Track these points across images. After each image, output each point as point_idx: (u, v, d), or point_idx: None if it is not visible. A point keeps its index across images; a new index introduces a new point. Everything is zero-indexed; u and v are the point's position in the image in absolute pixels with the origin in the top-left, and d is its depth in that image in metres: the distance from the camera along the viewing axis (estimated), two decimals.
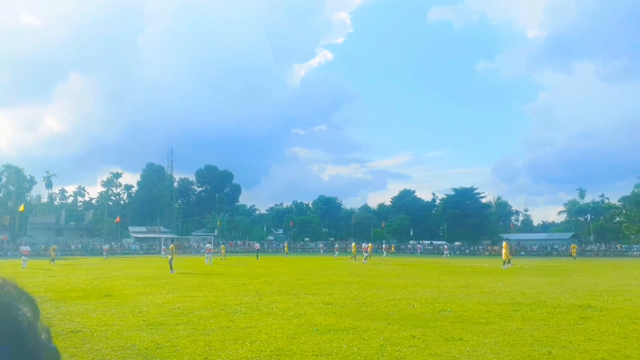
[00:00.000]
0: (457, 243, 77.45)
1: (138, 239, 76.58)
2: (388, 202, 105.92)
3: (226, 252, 47.56)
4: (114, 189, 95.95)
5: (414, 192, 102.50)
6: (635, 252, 62.56)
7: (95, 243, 70.05)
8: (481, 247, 75.55)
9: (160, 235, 74.81)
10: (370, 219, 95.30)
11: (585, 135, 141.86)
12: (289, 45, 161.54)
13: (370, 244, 42.14)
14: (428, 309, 11.20)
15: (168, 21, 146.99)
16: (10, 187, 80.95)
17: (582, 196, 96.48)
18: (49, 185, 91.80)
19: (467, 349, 7.20)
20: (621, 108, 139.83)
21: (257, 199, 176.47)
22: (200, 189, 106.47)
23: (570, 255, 48.63)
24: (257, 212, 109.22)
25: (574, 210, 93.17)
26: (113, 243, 70.11)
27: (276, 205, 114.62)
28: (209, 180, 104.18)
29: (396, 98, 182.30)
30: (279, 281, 19.10)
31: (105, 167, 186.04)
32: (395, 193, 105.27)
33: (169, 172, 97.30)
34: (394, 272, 25.39)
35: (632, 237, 72.34)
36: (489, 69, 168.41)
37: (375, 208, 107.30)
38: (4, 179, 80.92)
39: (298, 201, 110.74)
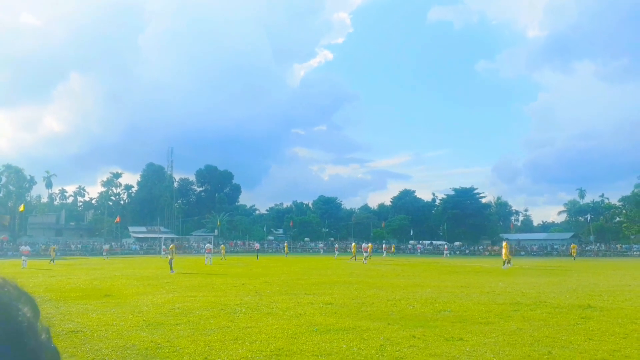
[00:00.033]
0: (457, 243, 77.48)
1: (138, 239, 76.59)
2: (388, 202, 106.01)
3: (226, 252, 47.60)
4: (114, 189, 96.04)
5: (414, 192, 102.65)
6: (635, 252, 62.56)
7: (95, 243, 70.05)
8: (481, 247, 75.56)
9: (160, 235, 74.82)
10: (370, 219, 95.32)
11: (585, 135, 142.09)
12: (289, 45, 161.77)
13: (370, 244, 42.14)
14: (428, 309, 11.20)
15: (168, 21, 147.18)
16: (10, 187, 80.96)
17: (582, 196, 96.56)
18: (49, 185, 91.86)
19: (467, 349, 7.20)
20: (621, 108, 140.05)
21: (257, 199, 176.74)
22: (200, 189, 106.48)
23: (570, 255, 48.64)
24: (257, 212, 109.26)
25: (574, 210, 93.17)
26: (113, 243, 70.11)
27: (276, 205, 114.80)
28: (209, 180, 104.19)
29: (396, 98, 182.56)
30: (279, 281, 19.09)
31: (105, 167, 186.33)
32: (395, 193, 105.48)
33: (169, 172, 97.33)
34: (393, 272, 25.39)
35: (632, 237, 72.35)
36: (489, 68, 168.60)
37: (375, 208, 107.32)
38: (4, 179, 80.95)
39: (298, 201, 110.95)
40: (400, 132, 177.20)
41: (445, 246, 63.63)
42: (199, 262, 35.42)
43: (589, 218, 76.63)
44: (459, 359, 6.76)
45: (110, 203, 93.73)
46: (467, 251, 72.35)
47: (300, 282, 18.53)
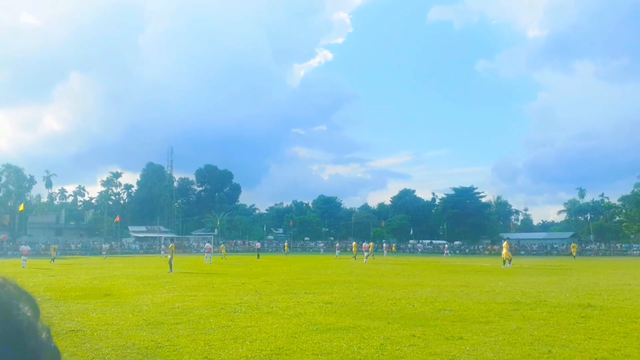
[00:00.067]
0: (457, 242, 77.54)
1: (138, 238, 76.61)
2: (388, 202, 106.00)
3: (226, 251, 47.65)
4: (113, 188, 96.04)
5: (413, 191, 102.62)
6: (635, 252, 62.58)
7: (95, 243, 70.05)
8: (481, 246, 75.56)
9: (160, 235, 74.91)
10: (370, 218, 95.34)
11: (585, 135, 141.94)
12: (289, 45, 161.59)
13: (371, 243, 42.13)
14: (428, 308, 11.20)
15: (168, 21, 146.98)
16: (10, 186, 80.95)
17: (582, 196, 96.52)
18: (48, 184, 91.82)
19: (467, 348, 7.20)
20: (621, 108, 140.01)
21: (257, 198, 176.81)
22: (200, 188, 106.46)
23: (570, 254, 48.63)
24: (257, 211, 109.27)
25: (574, 209, 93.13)
26: (113, 242, 70.15)
27: (276, 204, 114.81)
28: (209, 179, 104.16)
29: (396, 98, 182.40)
30: (279, 280, 19.10)
31: (105, 166, 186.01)
32: (395, 192, 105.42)
33: (168, 172, 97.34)
34: (393, 272, 25.40)
35: (632, 236, 72.37)
36: (488, 68, 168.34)
37: (375, 207, 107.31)
38: (3, 179, 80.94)
39: (298, 201, 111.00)
40: (400, 131, 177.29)
41: (446, 245, 63.61)
42: (198, 262, 35.43)
43: (588, 217, 76.60)
44: (459, 358, 6.75)
45: (110, 203, 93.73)
46: (467, 250, 72.35)
47: (300, 282, 18.54)
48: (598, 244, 69.06)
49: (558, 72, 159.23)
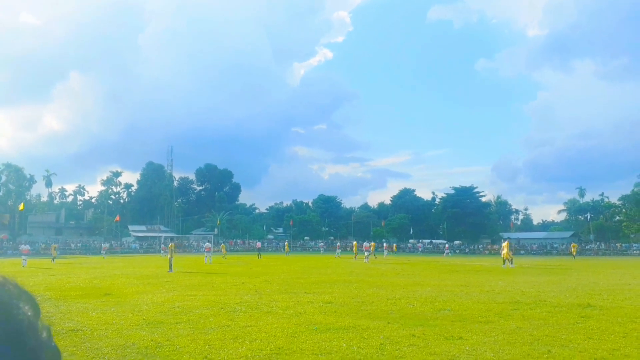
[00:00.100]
0: (456, 242, 77.56)
1: (138, 237, 76.63)
2: (388, 201, 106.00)
3: (226, 251, 47.67)
4: (113, 187, 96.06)
5: (413, 191, 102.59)
6: (635, 251, 62.59)
7: (95, 242, 70.06)
8: (481, 246, 75.56)
9: (160, 234, 74.92)
10: (370, 217, 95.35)
11: (585, 135, 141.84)
12: (289, 44, 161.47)
13: (373, 243, 42.08)
14: (428, 308, 11.20)
15: (168, 21, 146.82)
16: (10, 186, 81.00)
17: (582, 195, 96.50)
18: (48, 184, 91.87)
19: (467, 348, 7.21)
20: (621, 107, 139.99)
21: (257, 197, 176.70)
22: (200, 187, 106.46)
23: (570, 254, 48.63)
24: (257, 211, 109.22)
25: (574, 209, 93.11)
26: (113, 242, 70.20)
27: (276, 204, 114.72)
28: (209, 179, 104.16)
29: (396, 97, 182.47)
30: (278, 280, 19.10)
31: (105, 166, 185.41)
32: (395, 192, 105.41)
33: (168, 171, 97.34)
34: (393, 271, 25.40)
35: (632, 235, 72.38)
36: (488, 68, 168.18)
37: (375, 207, 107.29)
38: (3, 178, 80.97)
39: (298, 200, 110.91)
40: (400, 131, 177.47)
41: (447, 245, 63.56)
42: (198, 261, 35.43)
43: (588, 217, 76.59)
44: (459, 357, 6.76)
45: (110, 202, 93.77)
46: (467, 250, 72.36)
47: (300, 281, 18.54)
48: (598, 243, 69.08)
49: (558, 72, 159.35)
